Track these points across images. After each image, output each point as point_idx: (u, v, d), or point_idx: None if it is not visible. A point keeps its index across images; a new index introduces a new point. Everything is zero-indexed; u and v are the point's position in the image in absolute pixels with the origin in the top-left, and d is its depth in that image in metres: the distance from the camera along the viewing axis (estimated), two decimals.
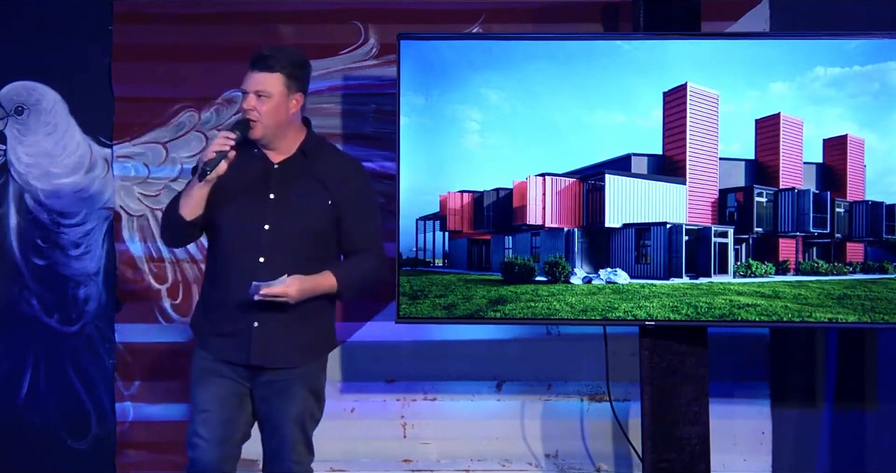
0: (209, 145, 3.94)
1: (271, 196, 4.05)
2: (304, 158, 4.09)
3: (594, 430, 5.27)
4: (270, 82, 3.99)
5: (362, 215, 4.14)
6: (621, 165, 4.82)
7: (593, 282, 4.85)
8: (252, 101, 3.99)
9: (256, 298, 3.89)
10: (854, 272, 4.81)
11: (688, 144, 4.81)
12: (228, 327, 4.03)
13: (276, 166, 4.07)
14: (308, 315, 4.05)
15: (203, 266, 4.63)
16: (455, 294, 4.87)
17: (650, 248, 4.84)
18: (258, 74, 4.00)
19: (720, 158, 4.82)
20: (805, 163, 4.82)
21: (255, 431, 4.17)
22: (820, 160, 4.81)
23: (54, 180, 5.27)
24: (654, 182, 4.83)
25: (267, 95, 3.99)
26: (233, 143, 3.92)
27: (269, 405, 4.07)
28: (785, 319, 4.73)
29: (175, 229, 4.07)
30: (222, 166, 3.91)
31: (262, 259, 4.01)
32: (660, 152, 4.83)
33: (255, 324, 4.02)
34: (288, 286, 3.92)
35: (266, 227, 4.02)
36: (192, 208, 3.99)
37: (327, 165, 4.11)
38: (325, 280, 4.01)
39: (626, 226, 4.85)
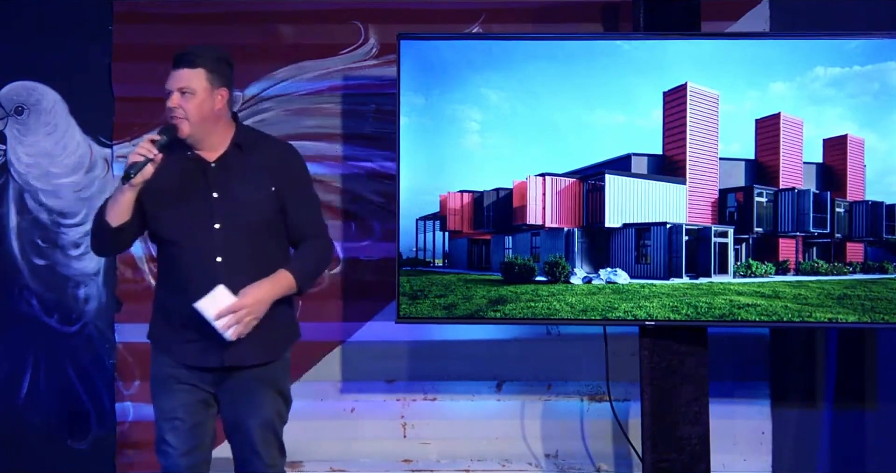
0: (135, 150, 3.86)
1: (215, 195, 3.97)
2: (239, 152, 4.02)
3: (594, 430, 5.27)
4: (193, 78, 3.94)
5: (305, 201, 4.08)
6: (621, 165, 4.82)
7: (593, 282, 4.85)
8: (176, 98, 3.94)
9: (225, 332, 3.84)
10: (854, 272, 4.81)
11: (688, 144, 4.81)
12: (192, 333, 3.94)
13: (212, 164, 4.00)
14: (272, 309, 3.97)
15: None
16: (455, 294, 4.87)
17: (650, 248, 4.84)
18: (180, 72, 3.95)
19: (720, 158, 4.82)
20: (805, 163, 4.82)
21: None
22: (820, 160, 4.81)
23: (54, 180, 5.27)
24: (654, 182, 4.83)
25: (191, 92, 3.93)
26: (156, 146, 3.85)
27: (237, 410, 4.02)
28: (785, 319, 4.73)
29: (102, 236, 3.97)
30: (148, 170, 3.82)
31: (219, 259, 3.94)
32: (660, 152, 4.83)
33: None
34: (244, 298, 3.86)
35: (217, 226, 3.95)
36: (118, 214, 3.90)
37: (264, 154, 4.04)
38: (283, 280, 3.95)
39: (626, 226, 4.85)
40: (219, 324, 3.84)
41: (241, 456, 4.07)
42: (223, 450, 4.17)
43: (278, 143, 4.17)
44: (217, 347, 3.93)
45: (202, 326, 3.90)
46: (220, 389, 4.03)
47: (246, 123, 4.73)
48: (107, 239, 3.98)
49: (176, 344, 4.00)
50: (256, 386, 4.01)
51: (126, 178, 3.82)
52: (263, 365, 4.02)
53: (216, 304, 3.85)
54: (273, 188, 4.00)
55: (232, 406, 4.03)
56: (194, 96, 3.94)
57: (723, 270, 4.82)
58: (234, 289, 3.88)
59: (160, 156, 3.85)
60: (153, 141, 3.85)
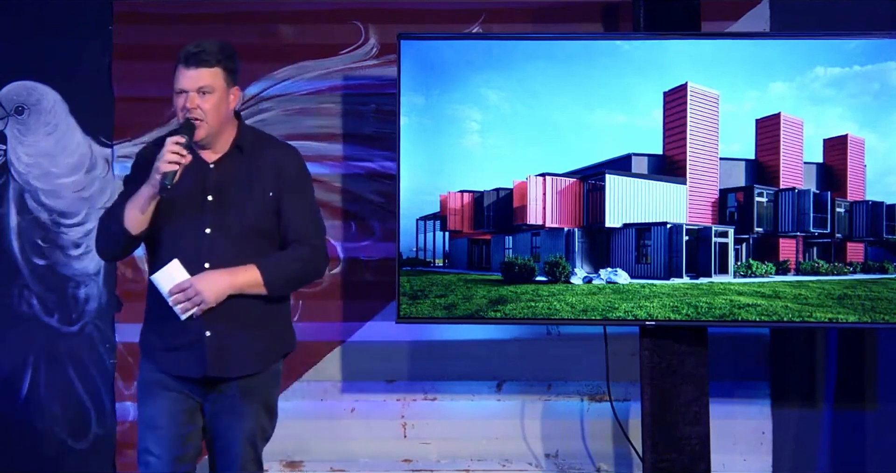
0: (161, 156, 3.71)
1: (209, 198, 3.85)
2: (239, 154, 3.90)
3: (594, 430, 5.27)
4: (212, 78, 3.80)
5: (299, 206, 3.92)
6: (621, 165, 4.82)
7: (593, 282, 4.85)
8: (196, 99, 3.79)
9: (175, 307, 3.76)
10: (854, 272, 4.81)
11: (688, 144, 4.81)
12: (178, 340, 3.84)
13: (211, 166, 3.88)
14: (262, 318, 3.89)
15: None
16: (455, 294, 4.87)
17: (650, 248, 4.84)
18: (197, 71, 3.79)
19: (720, 158, 4.82)
20: (805, 163, 4.82)
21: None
22: (820, 160, 4.81)
23: (55, 180, 5.27)
24: (654, 182, 4.83)
25: (210, 92, 3.80)
26: (185, 149, 3.72)
27: (220, 421, 3.90)
28: (785, 319, 4.73)
29: (117, 243, 3.85)
30: (178, 175, 3.71)
31: (207, 265, 3.83)
32: (660, 152, 4.83)
33: (207, 333, 3.83)
34: (198, 280, 3.75)
35: (207, 230, 3.84)
36: (140, 223, 3.78)
37: (263, 156, 3.92)
38: (245, 274, 3.81)
39: (626, 226, 4.85)
40: (171, 300, 3.77)
41: (218, 470, 3.95)
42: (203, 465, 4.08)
43: (279, 144, 4.04)
44: (201, 357, 3.83)
45: (187, 333, 3.82)
46: (206, 399, 3.91)
47: (246, 123, 4.74)
48: (121, 245, 3.86)
49: (161, 352, 3.89)
50: (241, 399, 3.88)
51: (164, 189, 3.69)
52: (250, 377, 3.89)
53: (170, 278, 3.77)
54: (270, 193, 3.89)
55: (215, 418, 3.91)
56: (213, 96, 3.81)
57: (723, 270, 4.82)
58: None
59: (189, 157, 3.73)
60: (179, 143, 3.72)
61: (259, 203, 3.88)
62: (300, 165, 4.00)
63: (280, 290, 3.91)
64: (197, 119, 3.80)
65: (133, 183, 3.88)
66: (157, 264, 3.89)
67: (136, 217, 3.78)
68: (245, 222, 3.86)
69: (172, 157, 3.69)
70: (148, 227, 3.81)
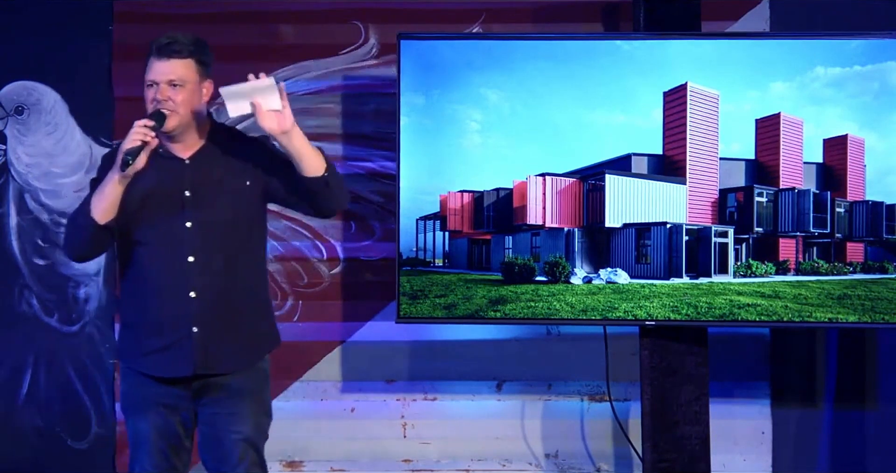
0: (128, 136, 3.63)
1: (187, 193, 3.81)
2: (214, 149, 3.86)
3: (594, 430, 5.27)
4: (184, 69, 3.75)
5: (287, 162, 3.84)
6: (621, 165, 4.82)
7: (593, 282, 4.85)
8: (167, 91, 3.72)
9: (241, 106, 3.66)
10: (854, 272, 4.81)
11: (688, 144, 4.81)
12: (164, 340, 3.79)
13: (186, 162, 3.84)
14: (247, 315, 3.88)
15: None
16: (455, 294, 4.87)
17: (650, 248, 4.84)
18: (169, 62, 3.73)
19: (720, 158, 4.82)
20: (805, 163, 4.82)
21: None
22: (820, 160, 4.81)
23: (55, 180, 5.27)
24: (654, 182, 4.83)
25: (181, 84, 3.74)
26: (153, 132, 3.63)
27: (217, 427, 3.86)
28: (785, 319, 4.73)
29: (83, 235, 3.75)
30: (142, 158, 3.61)
31: (191, 259, 3.78)
32: (660, 152, 4.83)
33: (195, 330, 3.80)
34: (286, 108, 3.70)
35: (188, 224, 3.79)
36: (106, 210, 3.69)
37: (235, 148, 3.88)
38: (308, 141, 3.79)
39: (626, 226, 4.85)
40: (252, 106, 3.68)
41: None
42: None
43: (253, 138, 3.99)
44: (189, 354, 3.79)
45: (174, 331, 3.78)
46: (197, 403, 3.88)
47: (245, 122, 4.74)
48: (87, 239, 3.76)
49: (146, 356, 3.83)
50: (235, 399, 3.86)
51: (125, 165, 3.60)
52: (240, 376, 3.87)
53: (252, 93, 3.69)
54: (248, 182, 3.86)
55: (209, 420, 3.87)
56: (184, 88, 3.76)
57: (723, 270, 4.82)
58: (206, 290, 3.79)
59: (156, 141, 3.66)
60: (146, 126, 3.64)
61: (237, 194, 3.85)
62: (271, 146, 3.92)
63: (334, 177, 3.81)
64: (167, 111, 3.74)
65: (98, 181, 3.82)
66: (134, 264, 3.83)
67: (100, 204, 3.70)
68: (225, 215, 3.83)
69: (138, 135, 3.62)
70: (115, 220, 3.73)
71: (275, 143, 3.84)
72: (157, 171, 3.76)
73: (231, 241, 3.85)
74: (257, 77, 3.73)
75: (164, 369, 3.83)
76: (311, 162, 3.77)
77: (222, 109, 3.87)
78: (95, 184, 3.83)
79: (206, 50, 3.85)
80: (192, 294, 3.81)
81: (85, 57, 5.25)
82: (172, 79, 3.75)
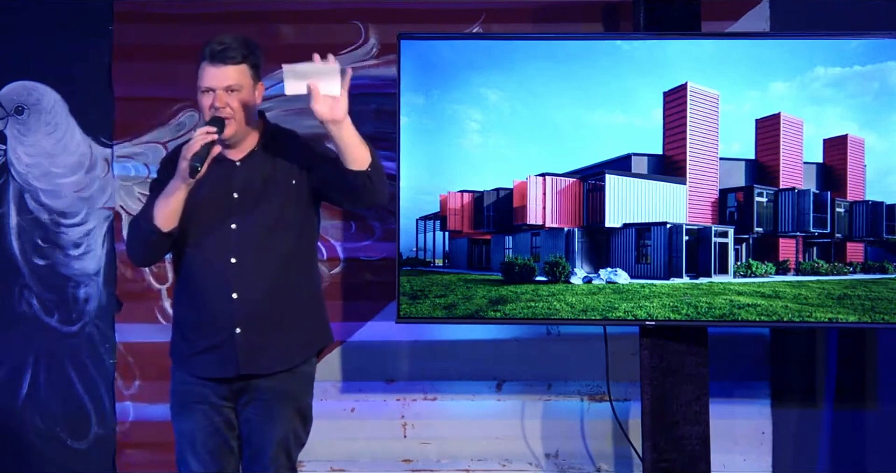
0: (192, 142, 3.66)
1: (235, 195, 3.84)
2: (264, 151, 3.88)
3: (594, 430, 5.27)
4: (239, 75, 3.76)
5: (325, 151, 3.88)
6: (621, 165, 4.82)
7: (593, 282, 4.85)
8: (224, 97, 3.73)
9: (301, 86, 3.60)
10: (854, 272, 4.81)
11: (688, 144, 4.81)
12: (208, 341, 3.83)
13: (237, 164, 3.87)
14: (292, 314, 3.89)
15: None
16: (455, 294, 4.87)
17: (650, 248, 4.84)
18: (225, 68, 3.74)
19: (720, 158, 4.82)
20: (805, 163, 4.82)
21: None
22: (820, 160, 4.81)
23: (54, 180, 5.27)
24: (654, 182, 4.83)
25: (238, 89, 3.76)
26: (216, 136, 3.67)
27: (252, 427, 3.88)
28: (785, 319, 4.73)
29: (149, 241, 3.80)
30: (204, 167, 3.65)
31: (233, 260, 3.80)
32: (660, 152, 4.83)
33: (238, 331, 3.82)
34: (343, 97, 3.62)
35: (233, 226, 3.82)
36: (169, 216, 3.74)
37: (284, 147, 3.89)
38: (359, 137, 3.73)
39: (626, 226, 4.85)
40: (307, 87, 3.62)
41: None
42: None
43: (299, 136, 4.00)
44: (233, 355, 3.82)
45: (218, 332, 3.81)
46: (238, 403, 3.90)
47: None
48: (152, 246, 3.80)
49: (193, 356, 3.87)
50: (273, 402, 3.87)
51: (193, 171, 3.61)
52: (282, 378, 3.87)
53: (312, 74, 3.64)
54: (294, 182, 3.86)
55: (248, 424, 3.89)
56: (240, 94, 3.77)
57: (723, 270, 4.82)
58: (249, 291, 3.80)
59: (218, 148, 3.69)
60: (209, 132, 3.65)
61: (283, 195, 3.86)
62: (316, 145, 3.93)
63: (377, 171, 3.76)
64: (226, 118, 3.75)
65: (160, 183, 3.85)
66: (184, 266, 3.87)
67: (164, 211, 3.73)
68: (270, 218, 3.83)
69: (201, 138, 3.63)
70: (178, 225, 3.76)
71: (328, 144, 3.82)
72: (210, 174, 3.75)
73: (276, 242, 3.85)
74: (324, 58, 3.68)
75: (208, 369, 3.85)
76: (358, 154, 3.72)
77: (279, 85, 3.82)
78: (156, 186, 3.86)
79: (258, 52, 3.85)
80: (235, 295, 3.83)
81: (85, 57, 5.25)
82: (230, 85, 3.75)
